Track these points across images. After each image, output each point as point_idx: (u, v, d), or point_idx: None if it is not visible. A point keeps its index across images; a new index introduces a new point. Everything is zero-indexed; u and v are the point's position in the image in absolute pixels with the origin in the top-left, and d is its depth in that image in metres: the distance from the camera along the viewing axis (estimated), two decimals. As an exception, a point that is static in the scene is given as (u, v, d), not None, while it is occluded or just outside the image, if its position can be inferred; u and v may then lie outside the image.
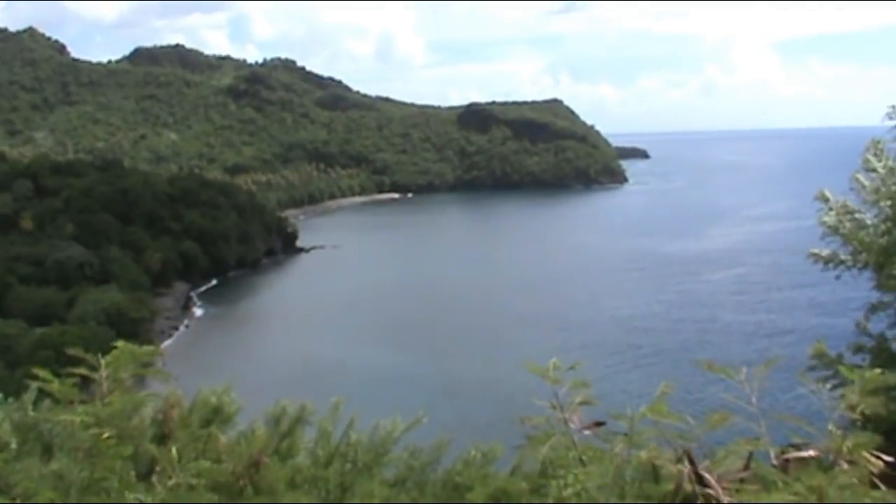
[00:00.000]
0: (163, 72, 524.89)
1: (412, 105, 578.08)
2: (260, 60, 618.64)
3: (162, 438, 21.57)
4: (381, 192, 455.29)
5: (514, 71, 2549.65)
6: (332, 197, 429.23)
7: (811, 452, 5.89)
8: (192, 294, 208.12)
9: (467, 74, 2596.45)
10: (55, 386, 7.68)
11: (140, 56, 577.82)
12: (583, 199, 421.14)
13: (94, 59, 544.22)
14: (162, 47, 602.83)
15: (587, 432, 6.39)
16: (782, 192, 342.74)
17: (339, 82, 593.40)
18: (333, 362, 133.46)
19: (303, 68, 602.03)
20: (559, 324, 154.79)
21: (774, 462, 5.87)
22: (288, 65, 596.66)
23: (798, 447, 5.95)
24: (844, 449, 5.79)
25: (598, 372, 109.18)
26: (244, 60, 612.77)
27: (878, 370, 6.39)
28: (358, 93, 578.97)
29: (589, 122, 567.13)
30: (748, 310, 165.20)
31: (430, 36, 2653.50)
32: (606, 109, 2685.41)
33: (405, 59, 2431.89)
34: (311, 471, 19.87)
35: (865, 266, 11.21)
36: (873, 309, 11.23)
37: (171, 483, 7.14)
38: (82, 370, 7.68)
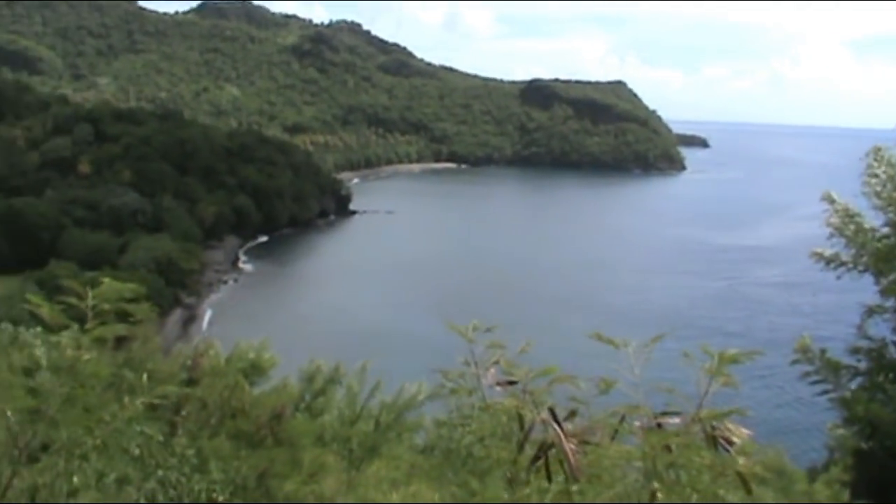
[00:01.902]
0: (229, 26, 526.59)
1: (475, 76, 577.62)
2: (326, 21, 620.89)
3: (190, 383, 19.79)
4: (438, 161, 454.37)
5: (579, 49, 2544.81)
6: (389, 162, 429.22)
7: (677, 420, 6.96)
8: (241, 250, 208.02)
9: (533, 49, 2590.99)
10: (45, 310, 8.48)
11: (208, 9, 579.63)
12: (640, 184, 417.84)
13: (162, 10, 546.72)
14: (230, 2, 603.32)
15: (499, 388, 7.59)
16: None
17: (404, 48, 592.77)
18: (373, 326, 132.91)
19: (368, 32, 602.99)
20: (600, 306, 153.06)
21: (650, 425, 6.97)
22: (353, 27, 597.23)
23: (671, 414, 7.03)
24: (704, 418, 6.86)
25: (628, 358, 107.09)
26: (310, 20, 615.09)
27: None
28: (422, 60, 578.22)
29: (651, 106, 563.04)
30: (791, 310, 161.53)
31: (499, 8, 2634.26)
32: (669, 95, 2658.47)
33: (472, 30, 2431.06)
34: (337, 429, 18.63)
35: (866, 269, 11.15)
36: (870, 312, 10.87)
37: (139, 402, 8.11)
38: (72, 299, 8.43)
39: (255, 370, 31.76)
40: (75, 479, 9.82)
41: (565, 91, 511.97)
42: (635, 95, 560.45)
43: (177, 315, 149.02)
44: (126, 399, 8.72)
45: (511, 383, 7.43)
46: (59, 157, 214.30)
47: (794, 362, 11.22)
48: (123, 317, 8.86)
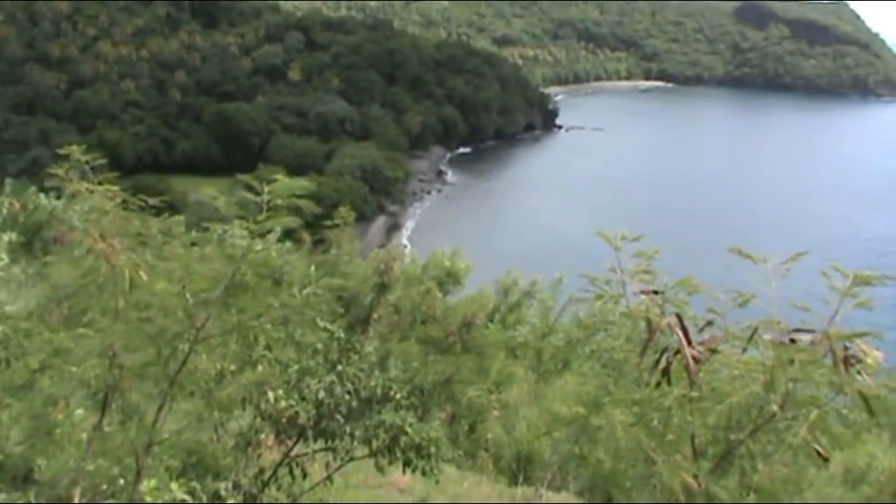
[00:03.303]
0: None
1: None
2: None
3: (382, 288, 20.47)
4: (647, 78, 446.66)
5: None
6: (598, 79, 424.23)
7: (809, 337, 6.86)
8: (445, 160, 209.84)
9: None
10: (221, 202, 9.32)
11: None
12: (857, 111, 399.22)
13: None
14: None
15: (644, 297, 7.56)
16: None
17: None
18: (572, 241, 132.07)
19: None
20: (801, 237, 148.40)
21: (784, 340, 6.92)
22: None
23: (806, 331, 6.96)
24: (833, 336, 6.70)
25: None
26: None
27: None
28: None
29: (875, 28, 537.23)
30: None
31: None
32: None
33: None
34: (528, 341, 19.47)
35: None
36: None
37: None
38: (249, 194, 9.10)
39: (450, 278, 32.35)
40: (259, 368, 10.27)
41: (782, 10, 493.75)
42: (857, 16, 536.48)
43: (380, 222, 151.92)
44: (293, 289, 9.11)
45: (655, 292, 7.51)
46: (270, 64, 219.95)
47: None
48: (296, 212, 9.16)
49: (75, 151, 9.86)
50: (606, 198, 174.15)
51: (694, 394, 6.62)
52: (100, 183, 9.79)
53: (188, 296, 8.51)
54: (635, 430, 6.93)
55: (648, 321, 7.26)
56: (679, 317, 7.12)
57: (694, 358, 6.85)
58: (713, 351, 7.01)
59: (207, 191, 8.90)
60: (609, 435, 7.15)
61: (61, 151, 10.03)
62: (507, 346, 27.99)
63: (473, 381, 22.97)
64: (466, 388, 22.47)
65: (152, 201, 10.02)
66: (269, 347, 10.13)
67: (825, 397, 6.61)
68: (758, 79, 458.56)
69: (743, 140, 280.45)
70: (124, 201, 9.77)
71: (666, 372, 7.11)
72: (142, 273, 9.16)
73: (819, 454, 6.47)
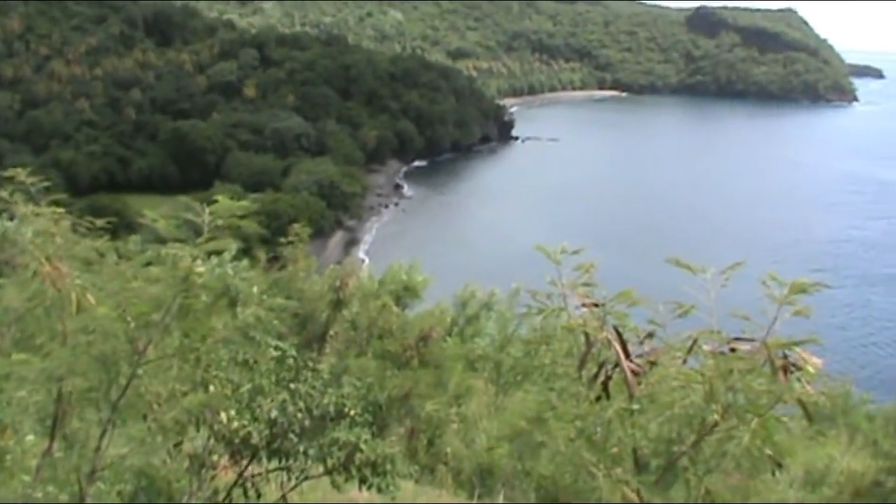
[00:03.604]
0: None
1: (641, 2, 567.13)
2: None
3: (337, 304, 20.40)
4: (601, 88, 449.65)
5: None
6: (552, 90, 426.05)
7: (748, 346, 6.88)
8: (401, 174, 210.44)
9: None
10: (161, 224, 9.12)
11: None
12: (808, 116, 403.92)
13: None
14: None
15: (584, 309, 7.66)
16: None
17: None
18: (530, 253, 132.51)
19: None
20: (759, 242, 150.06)
21: (724, 350, 6.97)
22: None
23: (745, 340, 6.98)
24: (771, 345, 6.73)
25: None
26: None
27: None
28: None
29: (823, 34, 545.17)
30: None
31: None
32: (842, 22, 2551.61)
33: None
34: (487, 353, 19.50)
35: None
36: None
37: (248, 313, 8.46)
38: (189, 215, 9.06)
39: (407, 292, 32.32)
40: (211, 388, 10.23)
41: (733, 18, 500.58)
42: (806, 23, 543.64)
43: (338, 237, 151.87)
44: (238, 309, 9.09)
45: (596, 305, 7.50)
46: (225, 81, 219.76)
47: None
48: (237, 231, 9.18)
49: (20, 173, 9.79)
50: (563, 208, 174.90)
51: (634, 406, 6.64)
52: (49, 204, 9.73)
53: (129, 319, 8.49)
54: (576, 444, 6.95)
55: (586, 335, 7.30)
56: (617, 329, 7.17)
57: (633, 370, 6.85)
58: (653, 363, 7.03)
59: (149, 213, 8.79)
60: (551, 450, 7.18)
61: (6, 174, 9.97)
62: (466, 358, 28.01)
63: (432, 395, 22.97)
64: (425, 402, 22.47)
65: (100, 222, 9.96)
66: (218, 367, 10.08)
67: (768, 405, 6.47)
68: (711, 86, 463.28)
69: (697, 147, 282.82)
70: (74, 224, 9.73)
71: (605, 385, 7.13)
72: (89, 296, 9.12)
73: (772, 459, 6.51)
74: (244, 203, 9.50)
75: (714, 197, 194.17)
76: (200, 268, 8.55)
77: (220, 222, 9.01)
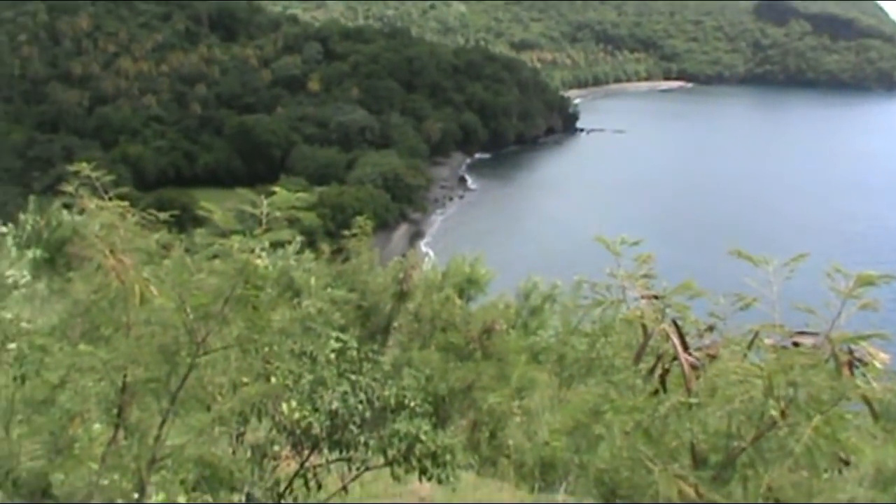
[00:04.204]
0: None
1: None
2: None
3: (401, 297, 20.51)
4: (667, 79, 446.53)
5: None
6: (617, 81, 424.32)
7: (811, 341, 6.71)
8: (466, 166, 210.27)
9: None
10: (217, 216, 9.05)
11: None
12: (882, 105, 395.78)
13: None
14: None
15: (644, 301, 7.42)
16: None
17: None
18: (593, 243, 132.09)
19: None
20: (827, 233, 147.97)
21: (786, 344, 6.84)
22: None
23: (809, 334, 6.80)
24: (835, 339, 6.57)
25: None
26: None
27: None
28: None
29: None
30: None
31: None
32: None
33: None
34: (549, 345, 19.44)
35: None
36: None
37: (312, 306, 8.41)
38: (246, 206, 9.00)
39: (470, 284, 32.30)
40: (272, 380, 10.34)
41: (803, 6, 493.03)
42: (881, 9, 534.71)
43: (403, 230, 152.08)
44: (298, 301, 9.13)
45: (655, 297, 7.38)
46: (290, 75, 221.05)
47: None
48: (292, 223, 9.22)
49: (85, 168, 9.91)
50: (628, 200, 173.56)
51: (693, 400, 6.52)
52: (111, 198, 9.84)
53: (188, 310, 8.55)
54: (633, 437, 6.86)
55: (644, 327, 7.16)
56: (675, 322, 7.02)
57: (691, 364, 6.76)
58: (712, 356, 6.89)
59: (205, 205, 8.85)
60: (608, 443, 7.13)
61: (71, 168, 10.09)
62: (530, 351, 27.89)
63: (494, 388, 22.91)
64: (487, 395, 22.42)
65: (163, 216, 10.07)
66: (279, 359, 10.18)
67: (831, 402, 6.34)
68: (780, 76, 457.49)
69: (766, 138, 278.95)
70: (140, 217, 9.85)
71: (662, 378, 7.05)
72: (152, 288, 9.23)
73: (840, 458, 6.38)
74: (302, 195, 9.37)
75: (782, 188, 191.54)
76: (259, 259, 8.60)
77: (277, 214, 9.00)
